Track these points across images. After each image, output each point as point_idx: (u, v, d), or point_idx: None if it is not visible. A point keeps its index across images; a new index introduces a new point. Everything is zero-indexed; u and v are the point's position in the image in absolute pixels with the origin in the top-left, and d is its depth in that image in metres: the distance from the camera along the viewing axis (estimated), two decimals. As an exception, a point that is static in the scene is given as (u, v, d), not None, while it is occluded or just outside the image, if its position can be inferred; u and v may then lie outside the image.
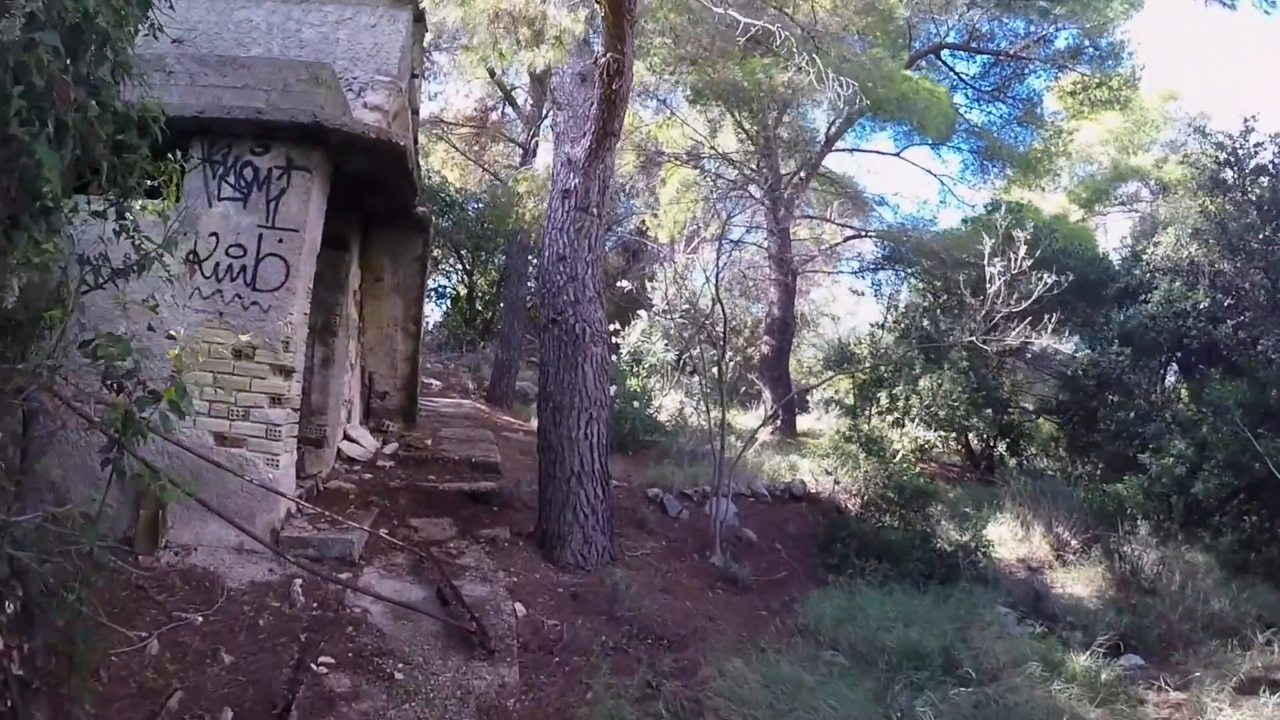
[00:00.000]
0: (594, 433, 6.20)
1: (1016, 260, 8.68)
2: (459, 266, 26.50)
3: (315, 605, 5.08)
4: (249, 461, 5.65)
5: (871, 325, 17.82)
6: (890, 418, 12.19)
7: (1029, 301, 8.62)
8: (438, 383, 17.48)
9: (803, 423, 17.85)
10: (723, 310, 8.96)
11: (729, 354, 15.18)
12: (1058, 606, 7.29)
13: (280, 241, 5.75)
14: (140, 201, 4.34)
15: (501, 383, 15.82)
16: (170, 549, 5.45)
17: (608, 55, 6.02)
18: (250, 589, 5.13)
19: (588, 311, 6.27)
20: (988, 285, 9.43)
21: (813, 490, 10.44)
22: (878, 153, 17.90)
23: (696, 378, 12.92)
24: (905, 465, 9.99)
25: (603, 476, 6.40)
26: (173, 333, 4.71)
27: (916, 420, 11.95)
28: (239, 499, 5.61)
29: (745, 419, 15.99)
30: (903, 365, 12.50)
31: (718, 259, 10.83)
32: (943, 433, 12.63)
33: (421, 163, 21.79)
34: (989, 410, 12.21)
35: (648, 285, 16.80)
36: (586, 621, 5.48)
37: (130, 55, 3.15)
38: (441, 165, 21.65)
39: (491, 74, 17.59)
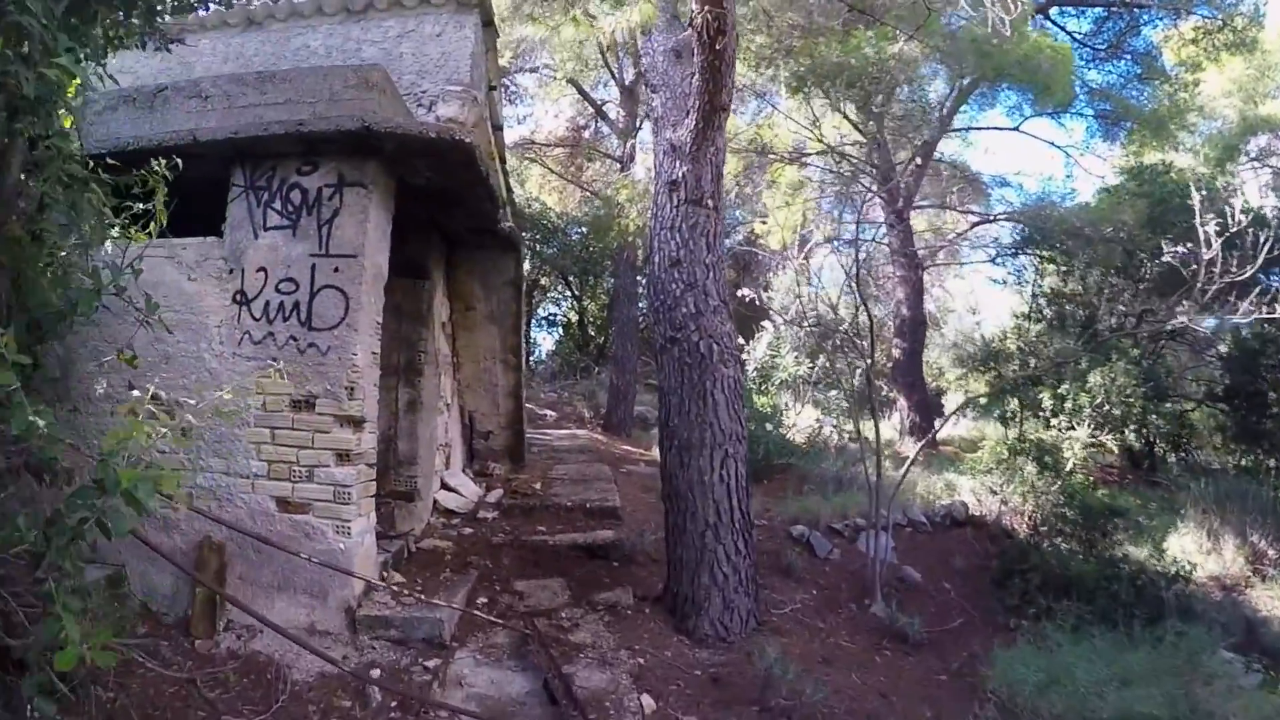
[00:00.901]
0: (731, 474, 4.87)
1: (1232, 217, 6.88)
2: (568, 293, 26.14)
3: (394, 706, 4.10)
4: (315, 530, 4.82)
5: (1016, 316, 16.19)
6: (1058, 421, 10.42)
7: (1256, 267, 6.80)
8: (552, 413, 16.74)
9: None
10: (869, 315, 7.61)
11: (862, 360, 13.67)
12: (1274, 638, 6.06)
13: (336, 271, 4.89)
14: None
15: (618, 410, 14.86)
16: (233, 631, 4.69)
17: (705, 10, 4.87)
18: (318, 683, 4.23)
19: (713, 324, 5.00)
20: (1145, 261, 7.65)
21: (975, 512, 8.96)
22: (995, 129, 15.95)
23: (834, 392, 11.51)
24: (1082, 477, 8.37)
25: (744, 527, 5.07)
26: (150, 391, 3.76)
27: (1088, 422, 10.16)
28: (309, 572, 4.77)
29: (880, 429, 14.48)
30: (1067, 360, 10.73)
31: (857, 256, 9.41)
32: (1115, 434, 10.81)
33: (517, 188, 21.40)
34: (1165, 404, 10.35)
35: (763, 295, 15.48)
36: (733, 718, 4.26)
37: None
38: (539, 190, 21.10)
39: (579, 89, 16.89)
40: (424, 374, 6.31)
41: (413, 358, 6.28)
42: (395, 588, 5.19)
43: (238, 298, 5.08)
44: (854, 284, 7.65)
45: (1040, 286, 15.98)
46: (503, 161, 7.87)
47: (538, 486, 7.36)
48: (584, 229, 23.29)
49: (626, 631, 5.04)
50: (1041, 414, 10.69)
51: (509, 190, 8.77)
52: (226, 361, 5.08)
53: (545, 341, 28.68)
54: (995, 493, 9.06)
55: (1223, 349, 10.65)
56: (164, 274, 5.29)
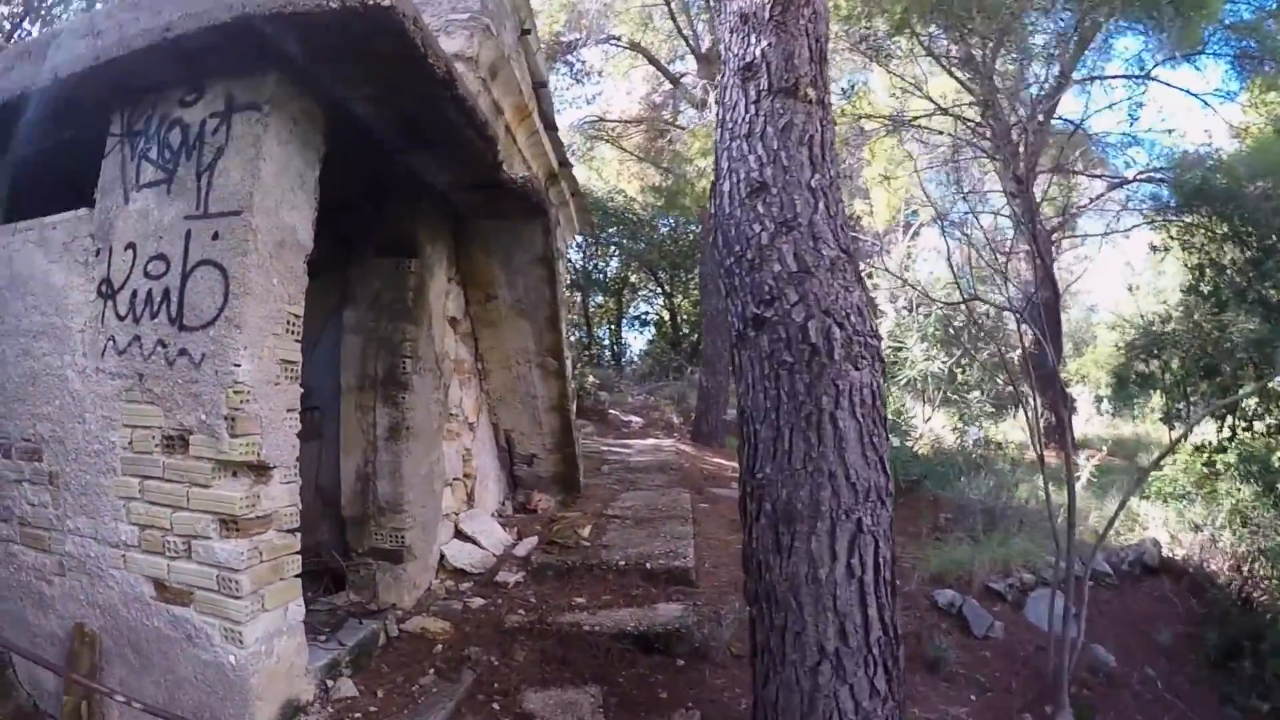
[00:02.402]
0: (868, 561, 2.56)
1: None
2: (658, 290, 24.45)
3: None
4: (198, 633, 3.14)
5: (1184, 292, 13.61)
6: (1267, 423, 7.89)
7: None
8: (638, 420, 14.94)
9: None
10: (1055, 292, 5.39)
11: (976, 352, 11.25)
12: None
13: (215, 238, 3.17)
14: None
15: (708, 416, 12.90)
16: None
17: None
18: None
19: (830, 291, 2.68)
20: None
21: (1169, 553, 6.75)
22: (1123, 77, 12.97)
23: (975, 393, 9.20)
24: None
25: (887, 651, 2.64)
26: None
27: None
28: (197, 689, 3.14)
29: (1004, 430, 12.03)
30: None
31: (1038, 231, 7.14)
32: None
33: (594, 177, 19.67)
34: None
35: (867, 284, 13.27)
36: None
37: None
38: (617, 177, 19.31)
39: (649, 57, 14.97)
40: (410, 388, 4.52)
41: (394, 366, 4.50)
42: (335, 710, 3.42)
43: (103, 289, 3.48)
44: (1043, 261, 5.41)
45: (1209, 255, 13.36)
46: (551, 128, 6.04)
47: (585, 533, 5.46)
48: (668, 216, 21.57)
49: (690, 801, 3.07)
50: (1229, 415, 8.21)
51: (563, 162, 6.93)
52: (90, 380, 3.49)
53: (636, 341, 27.27)
54: (1198, 528, 6.75)
55: None
56: (33, 264, 3.82)
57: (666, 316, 24.40)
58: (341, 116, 3.63)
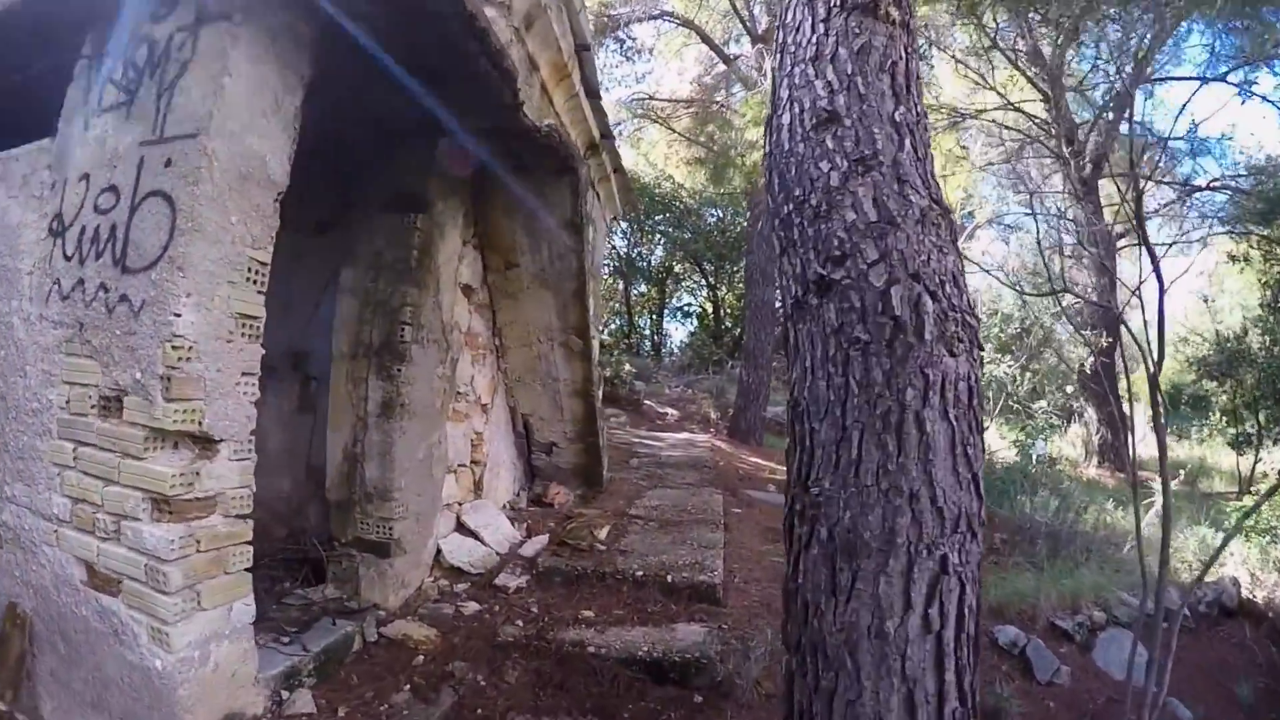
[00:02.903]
0: (950, 612, 1.85)
1: None
2: (703, 281, 23.80)
3: None
4: (125, 629, 2.64)
5: (1262, 307, 13.03)
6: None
7: None
8: (674, 412, 14.38)
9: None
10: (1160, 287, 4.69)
11: (1024, 363, 10.50)
12: None
13: (167, 166, 2.64)
14: None
15: (747, 412, 12.24)
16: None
17: None
18: None
19: (919, 248, 2.00)
20: None
21: (1249, 595, 5.97)
22: (1197, 79, 11.86)
23: (1040, 403, 8.42)
24: None
25: None
26: None
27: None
28: (124, 694, 2.66)
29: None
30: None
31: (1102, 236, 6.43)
32: None
33: (641, 162, 19.03)
34: None
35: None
36: None
37: None
38: (664, 161, 18.67)
39: (703, 35, 14.27)
40: (409, 359, 3.97)
41: (392, 334, 3.97)
42: (289, 732, 2.90)
43: (54, 225, 3.02)
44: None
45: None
46: (594, 95, 5.47)
47: (602, 535, 4.88)
48: (716, 206, 20.92)
49: None
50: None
51: (605, 133, 6.33)
52: (34, 329, 3.01)
53: (677, 332, 26.70)
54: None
55: None
56: (-6, 202, 3.33)
57: (709, 309, 23.76)
58: (338, 43, 3.09)
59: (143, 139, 2.75)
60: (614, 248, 22.30)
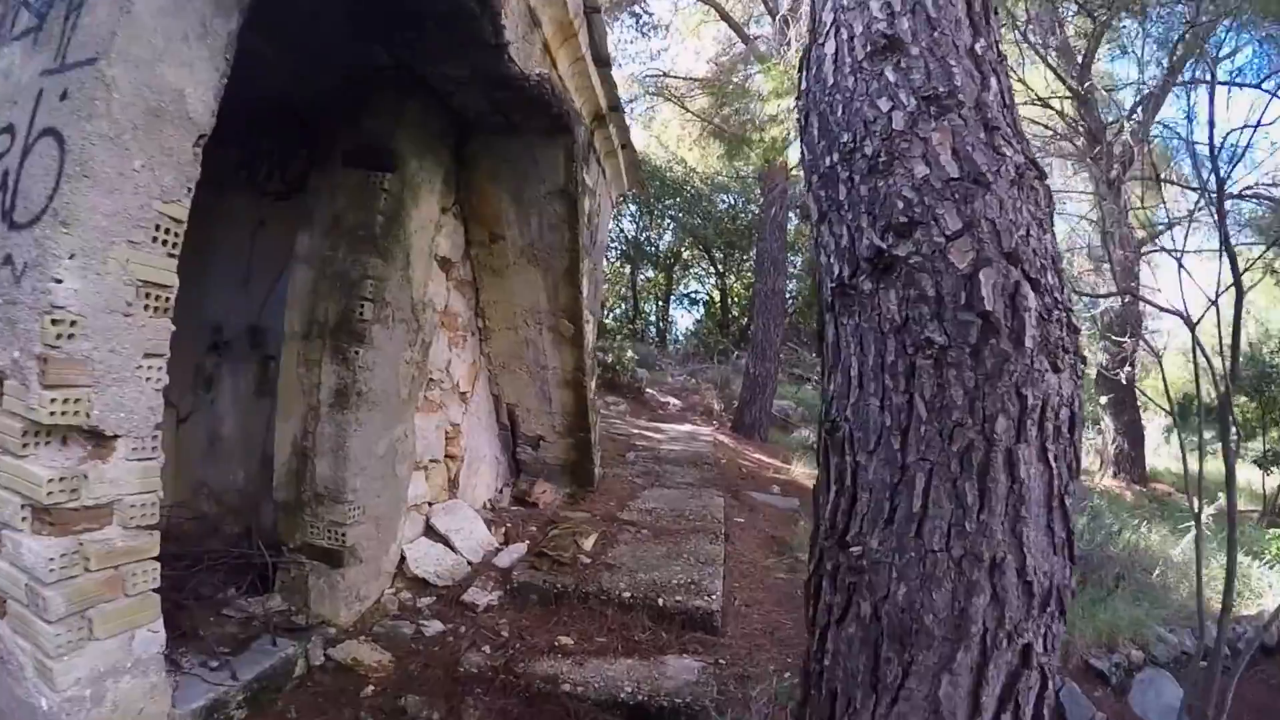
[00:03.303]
0: (1026, 715, 1.31)
1: None
2: (712, 269, 23.28)
3: None
4: (9, 657, 2.12)
5: None
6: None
7: None
8: (676, 402, 13.91)
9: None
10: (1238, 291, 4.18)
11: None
12: None
13: (63, 99, 2.12)
14: None
15: (753, 405, 11.72)
16: None
17: None
18: None
19: (1018, 221, 1.45)
20: None
21: None
22: (1232, 84, 11.31)
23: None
24: None
25: None
26: None
27: None
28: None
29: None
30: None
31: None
32: None
33: (653, 144, 18.40)
34: None
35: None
36: None
37: None
38: (677, 144, 18.08)
39: (720, 11, 13.63)
40: (369, 341, 3.46)
41: (350, 310, 3.45)
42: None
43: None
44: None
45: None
46: (603, 63, 4.94)
47: (587, 545, 4.38)
48: (729, 192, 20.36)
49: None
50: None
51: (614, 105, 5.82)
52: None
53: (683, 320, 26.25)
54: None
55: None
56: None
57: (717, 297, 23.31)
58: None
59: (44, 68, 2.24)
60: (621, 230, 21.79)
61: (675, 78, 15.33)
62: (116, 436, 2.20)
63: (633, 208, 20.96)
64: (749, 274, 22.02)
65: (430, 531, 4.24)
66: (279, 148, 4.17)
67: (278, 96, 3.79)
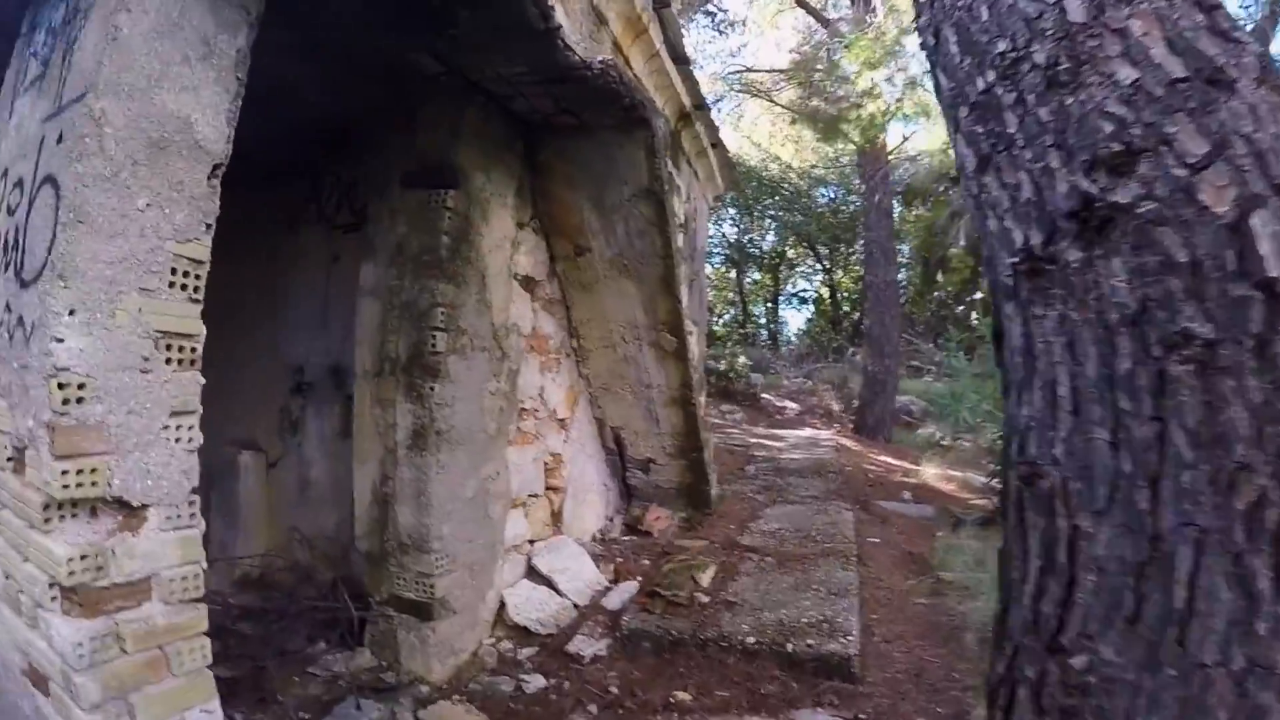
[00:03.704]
0: None
1: None
2: (818, 265, 22.48)
3: None
4: None
5: None
6: None
7: None
8: (793, 406, 13.35)
9: None
10: None
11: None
12: None
13: (59, 142, 1.91)
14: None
15: (874, 405, 11.04)
16: None
17: None
18: None
19: None
20: None
21: None
22: None
23: None
24: None
25: None
26: None
27: None
28: None
29: None
30: None
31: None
32: None
33: (744, 143, 17.81)
34: None
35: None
36: None
37: None
38: (769, 141, 17.49)
39: (802, 3, 12.97)
40: (445, 375, 3.17)
41: (422, 343, 3.18)
42: None
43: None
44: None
45: None
46: (681, 60, 4.62)
47: (705, 579, 3.95)
48: (827, 185, 19.59)
49: None
50: None
51: (699, 104, 5.47)
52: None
53: (794, 319, 25.56)
54: None
55: None
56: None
57: (825, 293, 22.57)
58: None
59: (46, 114, 2.06)
60: (723, 234, 21.34)
61: (759, 71, 14.74)
62: (145, 506, 1.96)
63: (732, 210, 20.56)
64: (856, 267, 21.24)
65: (532, 573, 3.92)
66: (344, 177, 3.99)
67: (329, 120, 3.59)
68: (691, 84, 5.22)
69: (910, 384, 14.34)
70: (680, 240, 4.55)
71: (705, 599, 3.76)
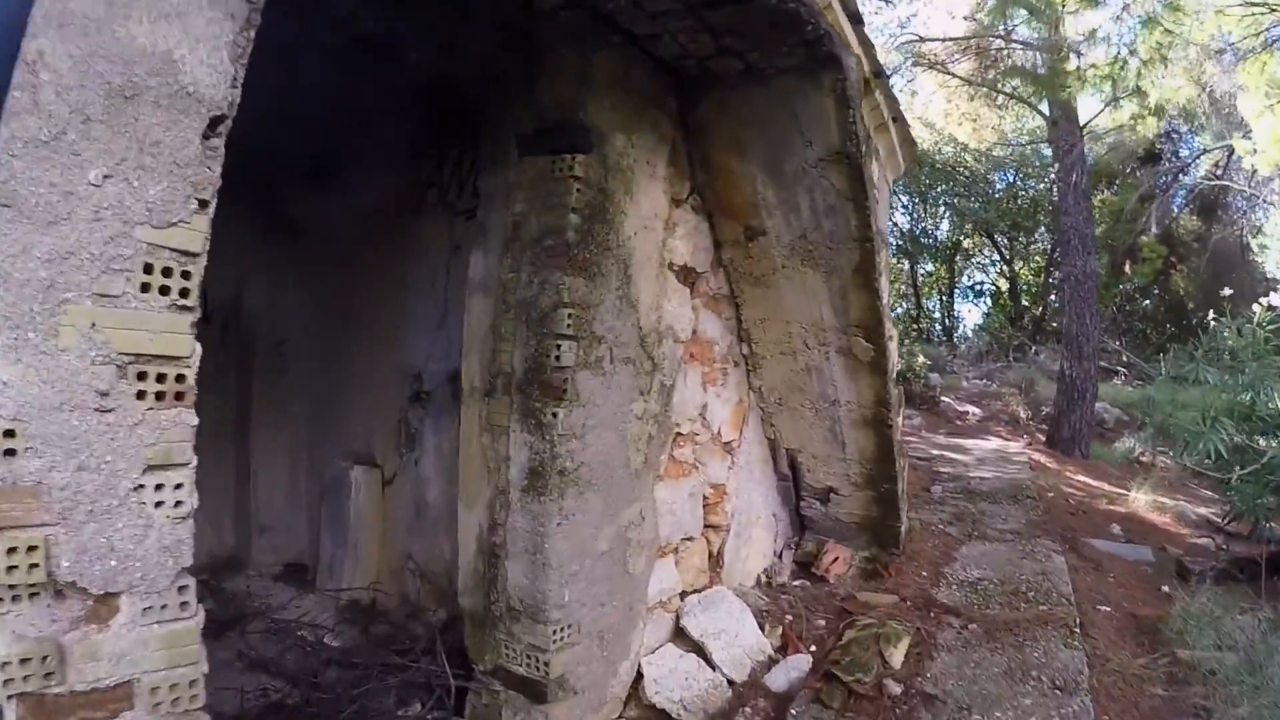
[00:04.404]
0: None
1: None
2: (995, 256, 20.54)
3: None
4: None
5: None
6: None
7: None
8: (975, 410, 12.05)
9: None
10: None
11: None
12: None
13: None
14: None
15: (1070, 415, 9.55)
16: None
17: None
18: None
19: None
20: None
21: None
22: None
23: None
24: None
25: None
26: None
27: None
28: None
29: None
30: None
31: None
32: None
33: (916, 125, 16.20)
34: None
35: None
36: None
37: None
38: (944, 120, 15.87)
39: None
40: (574, 394, 2.44)
41: (541, 354, 2.46)
42: None
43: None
44: None
45: None
46: (856, 20, 3.63)
47: (897, 658, 3.03)
48: (1005, 170, 17.76)
49: None
50: None
51: (878, 72, 4.40)
52: None
53: (970, 314, 23.66)
54: None
55: None
56: None
57: (1004, 286, 20.60)
58: None
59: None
60: (895, 224, 19.83)
61: (933, 40, 13.19)
62: (114, 594, 1.34)
63: (904, 198, 19.05)
64: (1037, 258, 19.10)
65: (680, 636, 3.15)
66: (465, 156, 3.36)
67: (441, 88, 2.96)
68: (868, 47, 4.23)
69: (1109, 389, 12.56)
70: (881, 220, 3.61)
71: (897, 688, 2.86)
